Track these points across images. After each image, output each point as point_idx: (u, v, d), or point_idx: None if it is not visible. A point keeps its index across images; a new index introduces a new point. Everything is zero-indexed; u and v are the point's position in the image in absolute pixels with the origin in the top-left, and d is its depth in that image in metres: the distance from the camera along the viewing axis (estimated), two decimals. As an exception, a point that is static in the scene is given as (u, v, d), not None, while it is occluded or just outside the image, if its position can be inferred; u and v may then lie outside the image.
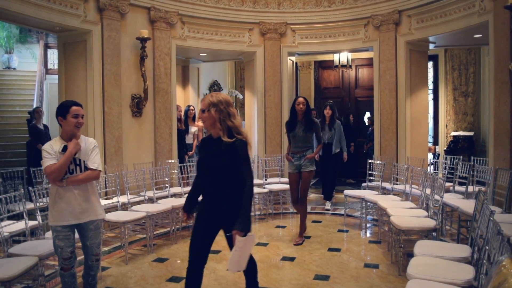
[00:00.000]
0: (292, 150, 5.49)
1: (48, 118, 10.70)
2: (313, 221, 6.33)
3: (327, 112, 7.12)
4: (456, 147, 9.54)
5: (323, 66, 11.14)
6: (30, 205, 4.60)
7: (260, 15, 7.89)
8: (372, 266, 4.48)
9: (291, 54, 8.31)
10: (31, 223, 4.25)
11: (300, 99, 5.43)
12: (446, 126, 10.29)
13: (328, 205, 7.24)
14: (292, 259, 4.72)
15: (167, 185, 6.31)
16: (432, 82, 10.53)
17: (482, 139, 9.65)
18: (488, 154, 6.20)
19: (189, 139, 7.84)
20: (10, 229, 4.06)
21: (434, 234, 4.30)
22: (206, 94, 11.11)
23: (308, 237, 5.51)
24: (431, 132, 10.33)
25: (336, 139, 7.11)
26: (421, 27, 7.11)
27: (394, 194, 6.04)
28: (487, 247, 2.67)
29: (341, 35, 7.97)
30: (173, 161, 7.03)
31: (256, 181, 7.24)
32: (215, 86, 11.49)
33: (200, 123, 7.86)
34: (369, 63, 9.53)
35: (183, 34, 7.33)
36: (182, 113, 7.78)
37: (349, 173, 9.97)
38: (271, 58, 8.01)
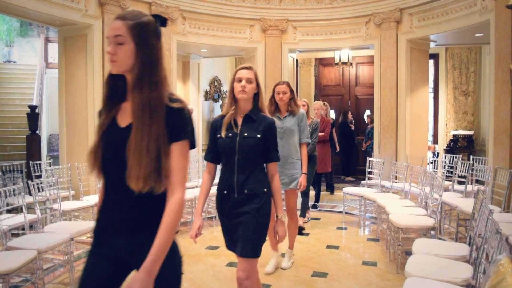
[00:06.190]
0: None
1: (48, 112, 10.69)
2: (312, 218, 6.34)
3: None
4: (455, 146, 9.54)
5: (324, 63, 11.12)
6: (29, 199, 4.60)
7: (261, 11, 7.87)
8: (370, 263, 4.49)
9: (292, 51, 8.28)
10: (30, 216, 4.25)
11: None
12: (446, 124, 10.28)
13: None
14: (290, 255, 4.72)
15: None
16: (433, 81, 10.52)
17: (482, 138, 9.66)
18: (487, 153, 6.21)
19: None
20: (9, 222, 4.05)
21: (432, 232, 4.32)
22: (206, 90, 11.09)
23: (307, 234, 5.52)
24: (430, 131, 10.32)
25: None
26: (423, 26, 7.10)
27: (393, 192, 6.05)
28: (485, 246, 2.67)
29: (342, 33, 7.95)
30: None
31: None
32: (215, 82, 11.46)
33: None
34: (370, 61, 9.51)
35: (184, 29, 7.32)
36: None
37: (348, 171, 9.99)
38: (272, 55, 8.00)
